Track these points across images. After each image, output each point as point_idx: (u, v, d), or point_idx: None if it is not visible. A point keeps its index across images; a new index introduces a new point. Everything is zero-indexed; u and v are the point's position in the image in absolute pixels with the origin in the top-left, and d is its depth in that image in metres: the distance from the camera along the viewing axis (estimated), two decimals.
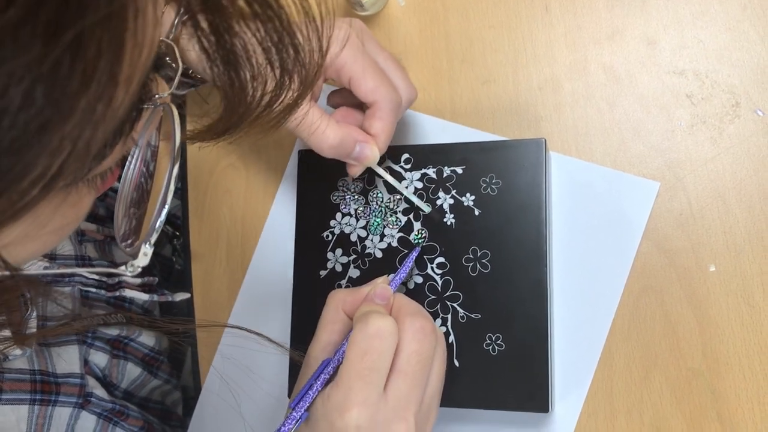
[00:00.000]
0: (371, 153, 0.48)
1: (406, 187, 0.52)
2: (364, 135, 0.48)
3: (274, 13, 0.26)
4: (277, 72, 0.28)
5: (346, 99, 0.50)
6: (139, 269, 0.29)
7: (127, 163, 0.30)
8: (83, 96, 0.20)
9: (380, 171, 0.51)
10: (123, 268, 0.29)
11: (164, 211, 0.28)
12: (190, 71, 0.49)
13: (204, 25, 0.26)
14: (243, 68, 0.27)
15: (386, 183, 0.53)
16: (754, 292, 0.48)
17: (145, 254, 0.28)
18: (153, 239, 0.28)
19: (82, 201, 0.27)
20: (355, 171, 0.50)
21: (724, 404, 0.48)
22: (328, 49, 0.29)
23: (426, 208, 0.51)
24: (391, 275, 0.51)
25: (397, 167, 0.53)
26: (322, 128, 0.46)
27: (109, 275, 0.54)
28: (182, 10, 0.26)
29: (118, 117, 0.22)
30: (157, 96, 0.27)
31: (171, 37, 0.41)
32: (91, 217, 0.61)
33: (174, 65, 0.41)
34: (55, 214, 0.26)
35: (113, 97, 0.21)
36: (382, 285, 0.47)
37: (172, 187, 0.27)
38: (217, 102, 0.29)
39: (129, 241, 0.30)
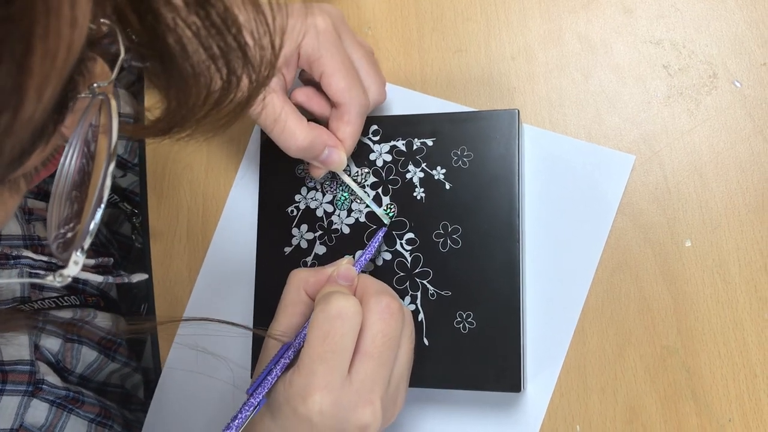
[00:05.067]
0: (339, 159, 0.47)
1: (374, 165, 0.50)
2: (334, 139, 0.47)
3: (211, 5, 0.23)
4: (223, 72, 0.25)
5: None
6: (69, 279, 0.25)
7: (63, 156, 0.26)
8: None
9: (344, 177, 0.50)
10: (51, 278, 0.25)
11: (98, 213, 0.24)
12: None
13: (132, 19, 0.23)
14: (181, 68, 0.24)
15: (353, 155, 0.51)
16: (730, 268, 0.47)
17: (75, 263, 0.24)
18: (86, 244, 0.24)
19: (5, 204, 0.24)
20: (319, 174, 0.49)
21: (698, 382, 0.47)
22: (282, 46, 0.26)
23: (386, 220, 0.49)
24: (358, 253, 0.49)
25: (365, 139, 0.51)
26: (291, 127, 0.45)
27: (47, 269, 0.50)
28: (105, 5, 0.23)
29: (33, 125, 0.20)
30: (96, 85, 0.24)
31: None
32: (41, 195, 0.58)
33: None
34: None
35: (20, 108, 0.18)
36: (346, 265, 0.44)
37: (108, 185, 0.24)
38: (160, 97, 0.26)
39: (71, 225, 0.27)
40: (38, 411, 0.49)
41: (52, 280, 0.25)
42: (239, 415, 0.40)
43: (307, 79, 0.50)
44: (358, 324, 0.40)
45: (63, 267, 0.25)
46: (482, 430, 0.50)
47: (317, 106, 0.48)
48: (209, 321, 0.47)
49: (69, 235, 0.26)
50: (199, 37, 0.23)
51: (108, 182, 0.24)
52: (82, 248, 0.24)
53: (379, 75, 0.49)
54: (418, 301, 0.48)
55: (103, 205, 0.24)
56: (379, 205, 0.50)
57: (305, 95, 0.48)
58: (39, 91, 0.19)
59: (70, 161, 0.26)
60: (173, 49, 0.23)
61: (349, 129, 0.47)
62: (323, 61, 0.45)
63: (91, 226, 0.24)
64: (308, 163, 0.49)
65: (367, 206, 0.50)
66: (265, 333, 0.45)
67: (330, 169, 0.48)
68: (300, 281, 0.45)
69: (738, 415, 0.46)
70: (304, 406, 0.38)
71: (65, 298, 0.54)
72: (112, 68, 0.25)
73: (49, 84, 0.19)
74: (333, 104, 0.47)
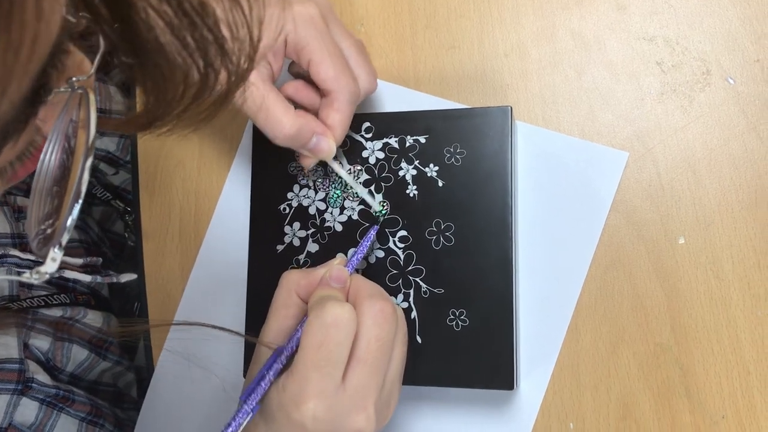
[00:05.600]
0: (328, 147, 0.46)
1: (367, 162, 0.50)
2: (322, 127, 0.46)
3: None
4: (201, 65, 0.24)
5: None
6: (47, 276, 0.25)
7: (43, 152, 0.26)
8: None
9: (334, 165, 0.49)
10: (27, 274, 0.25)
11: (76, 208, 0.24)
12: None
13: (104, 12, 0.22)
14: (157, 61, 0.24)
15: (346, 152, 0.50)
16: (723, 265, 0.47)
17: (53, 259, 0.24)
18: (64, 240, 0.24)
19: None
20: (309, 163, 0.48)
21: (691, 379, 0.47)
22: (260, 38, 0.25)
23: (378, 207, 0.49)
24: (350, 251, 0.48)
25: (357, 136, 0.51)
26: (277, 115, 0.44)
27: (31, 265, 0.49)
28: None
29: None
30: (75, 79, 0.24)
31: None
32: (30, 193, 0.57)
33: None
34: None
35: None
36: (338, 267, 0.44)
37: (86, 179, 0.24)
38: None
39: (51, 221, 0.27)
40: (28, 410, 0.49)
41: (29, 277, 0.24)
42: (233, 422, 0.39)
43: (297, 73, 0.49)
44: (353, 331, 0.39)
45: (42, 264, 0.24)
46: (476, 427, 0.49)
47: (307, 98, 0.47)
48: (202, 326, 0.46)
49: (49, 231, 0.26)
50: (172, 27, 0.23)
51: (85, 177, 0.24)
52: (60, 244, 0.24)
53: (370, 65, 0.48)
54: (411, 299, 0.48)
55: (80, 201, 0.24)
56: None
57: (294, 88, 0.47)
58: (2, 85, 0.18)
59: (50, 157, 0.26)
60: (147, 42, 0.23)
61: (338, 116, 0.45)
62: (310, 49, 0.44)
63: (69, 221, 0.24)
64: (299, 156, 0.48)
65: (360, 203, 0.50)
66: (256, 339, 0.44)
67: (319, 157, 0.47)
68: (291, 284, 0.44)
69: (731, 412, 0.46)
70: (297, 412, 0.38)
71: (55, 296, 0.54)
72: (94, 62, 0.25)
73: (12, 78, 0.19)
74: (322, 93, 0.47)
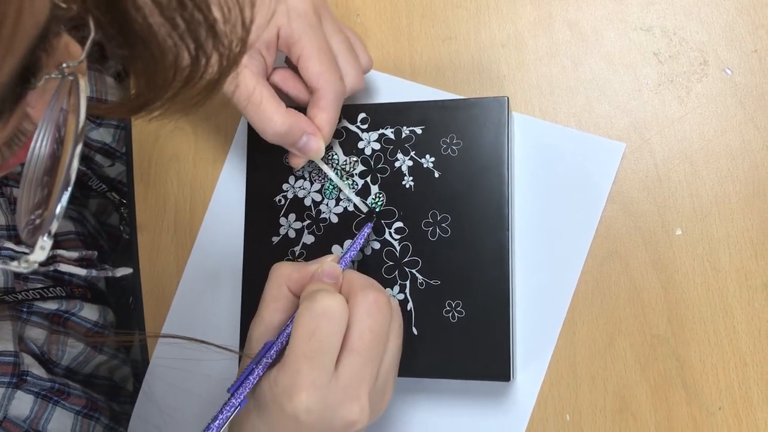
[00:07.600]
0: (317, 146, 0.46)
1: (363, 153, 0.49)
2: (312, 127, 0.45)
3: None
4: (191, 48, 0.24)
5: None
6: (36, 265, 0.24)
7: (34, 140, 0.25)
8: None
9: (323, 166, 0.49)
10: (15, 263, 0.24)
11: (65, 196, 0.23)
12: None
13: None
14: (147, 44, 0.23)
15: (342, 143, 0.50)
16: (720, 256, 0.47)
17: (42, 248, 0.24)
18: (53, 229, 0.24)
19: None
20: (298, 162, 0.48)
21: (688, 371, 0.46)
22: (252, 20, 0.25)
23: (364, 208, 0.49)
24: (346, 243, 0.48)
25: (353, 127, 0.50)
26: (268, 111, 0.44)
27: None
28: None
29: None
30: (65, 65, 0.23)
31: None
32: None
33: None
34: None
35: None
36: (330, 263, 0.43)
37: (75, 167, 0.23)
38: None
39: (40, 211, 0.27)
40: (22, 403, 0.49)
41: (17, 266, 0.24)
42: (220, 416, 0.39)
43: (294, 66, 0.49)
44: (344, 322, 0.39)
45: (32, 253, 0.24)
46: (472, 419, 0.49)
47: (293, 88, 0.47)
48: (193, 341, 0.46)
49: (38, 221, 0.25)
50: (161, 7, 0.22)
51: (75, 164, 0.23)
52: (49, 233, 0.24)
53: (358, 62, 0.47)
54: (407, 291, 0.48)
55: (69, 189, 0.23)
56: (368, 194, 0.49)
57: (281, 77, 0.47)
58: None
59: (40, 146, 0.25)
60: (135, 23, 0.23)
61: (324, 115, 0.45)
62: (301, 44, 0.44)
63: (58, 209, 0.23)
64: (287, 156, 0.48)
65: (356, 194, 0.49)
66: (245, 354, 0.44)
67: (308, 157, 0.47)
68: (282, 277, 0.44)
69: (728, 404, 0.46)
70: (290, 404, 0.38)
71: (50, 289, 0.54)
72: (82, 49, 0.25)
73: (3, 57, 0.18)
74: (309, 90, 0.46)
